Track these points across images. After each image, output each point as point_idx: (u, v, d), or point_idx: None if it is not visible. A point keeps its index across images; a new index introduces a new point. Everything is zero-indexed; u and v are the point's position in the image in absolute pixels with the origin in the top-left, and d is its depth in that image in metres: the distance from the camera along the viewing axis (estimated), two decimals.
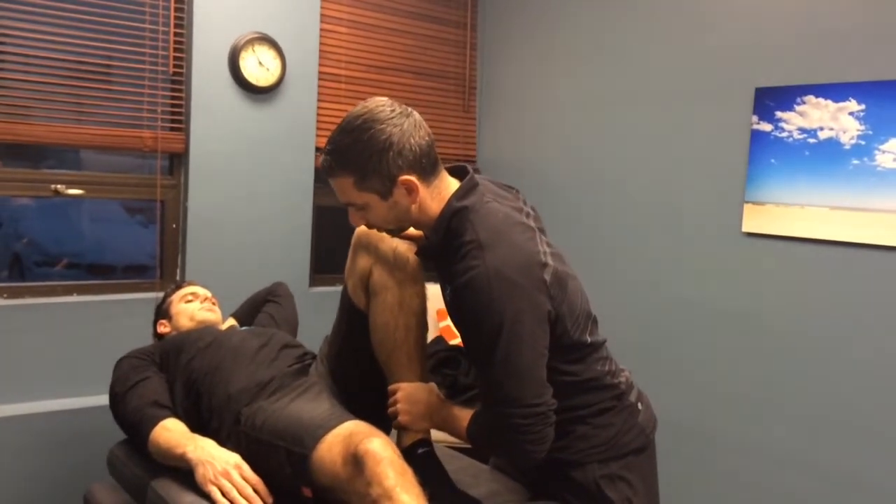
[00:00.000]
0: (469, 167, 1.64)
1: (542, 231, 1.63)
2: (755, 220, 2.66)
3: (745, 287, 2.70)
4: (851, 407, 2.44)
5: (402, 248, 1.71)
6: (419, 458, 1.64)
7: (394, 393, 1.71)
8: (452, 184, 1.59)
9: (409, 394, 1.69)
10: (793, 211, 2.56)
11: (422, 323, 1.75)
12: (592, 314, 1.65)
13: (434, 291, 1.78)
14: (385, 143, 1.47)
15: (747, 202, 2.67)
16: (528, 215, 1.63)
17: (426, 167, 1.53)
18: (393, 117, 1.49)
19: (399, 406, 1.68)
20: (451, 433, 1.69)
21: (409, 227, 1.62)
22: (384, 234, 1.69)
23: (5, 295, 2.64)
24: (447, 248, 1.53)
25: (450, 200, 1.54)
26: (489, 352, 1.47)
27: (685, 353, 2.88)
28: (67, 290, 2.76)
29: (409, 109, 1.54)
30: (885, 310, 2.36)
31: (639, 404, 1.70)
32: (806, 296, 2.55)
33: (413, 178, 1.50)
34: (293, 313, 2.51)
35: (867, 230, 2.38)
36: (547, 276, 1.49)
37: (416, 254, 1.69)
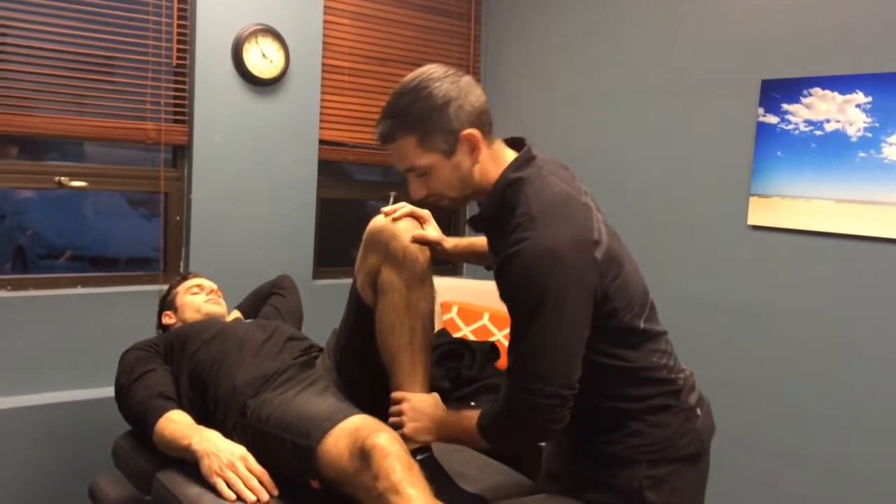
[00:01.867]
0: (526, 139, 1.61)
1: (598, 209, 1.58)
2: (761, 212, 2.65)
3: (751, 280, 2.70)
4: (857, 401, 2.43)
5: (412, 247, 1.68)
6: (420, 463, 1.62)
7: (398, 401, 1.68)
8: (509, 154, 1.57)
9: (414, 406, 1.66)
10: (799, 204, 2.55)
11: (428, 327, 1.72)
12: (650, 301, 1.61)
13: (439, 284, 1.78)
14: (445, 97, 1.47)
15: (753, 195, 2.66)
16: (584, 193, 1.57)
17: (486, 126, 1.52)
18: (448, 76, 1.50)
19: (404, 418, 1.64)
20: (459, 441, 1.67)
21: (470, 196, 1.58)
22: (396, 232, 1.67)
23: (9, 287, 2.64)
24: (500, 219, 1.51)
25: (505, 171, 1.52)
26: (527, 324, 1.44)
27: (690, 346, 2.85)
28: (71, 283, 2.76)
29: (461, 72, 1.55)
30: (893, 303, 2.35)
31: (698, 409, 1.63)
32: (812, 289, 2.54)
33: (476, 133, 1.49)
34: (298, 306, 2.51)
35: (874, 223, 2.37)
36: (598, 254, 1.45)
37: (468, 222, 1.66)
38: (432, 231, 1.74)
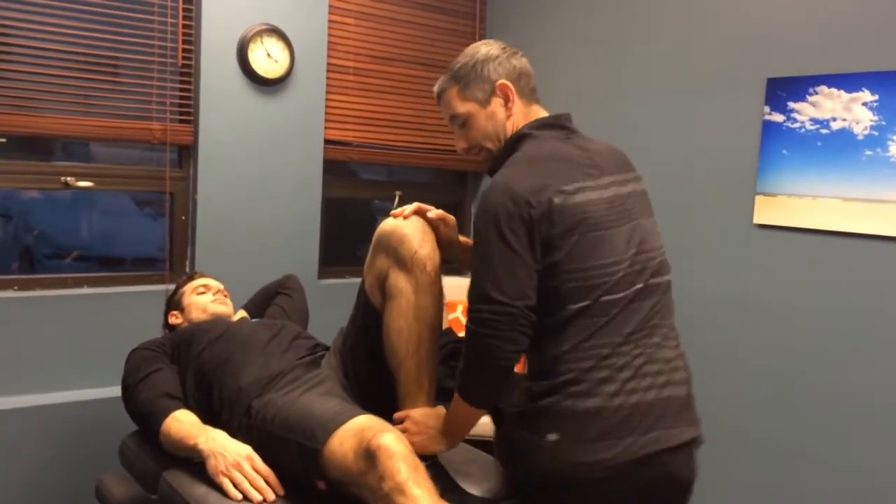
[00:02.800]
0: (567, 117, 1.74)
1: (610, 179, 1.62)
2: (767, 211, 2.64)
3: (757, 278, 2.69)
4: (862, 399, 2.42)
5: (422, 252, 1.69)
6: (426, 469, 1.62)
7: (401, 420, 1.69)
8: (542, 116, 1.72)
9: (416, 420, 1.68)
10: (805, 202, 2.54)
11: (435, 334, 1.73)
12: (617, 296, 1.53)
13: (444, 283, 1.78)
14: (487, 54, 1.70)
15: (759, 193, 2.66)
16: (591, 174, 1.60)
17: (524, 88, 1.70)
18: (501, 45, 1.73)
19: (409, 435, 1.63)
20: (460, 428, 1.67)
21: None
22: (406, 237, 1.69)
23: (16, 287, 2.65)
24: (502, 165, 1.63)
25: (524, 125, 1.67)
26: (474, 251, 1.55)
27: (695, 344, 2.84)
28: (78, 283, 2.77)
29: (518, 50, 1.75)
30: None
31: (550, 435, 1.51)
32: (818, 287, 2.53)
33: (510, 85, 1.67)
34: (304, 305, 2.51)
35: (880, 222, 2.36)
36: (558, 201, 1.51)
37: (487, 170, 1.73)
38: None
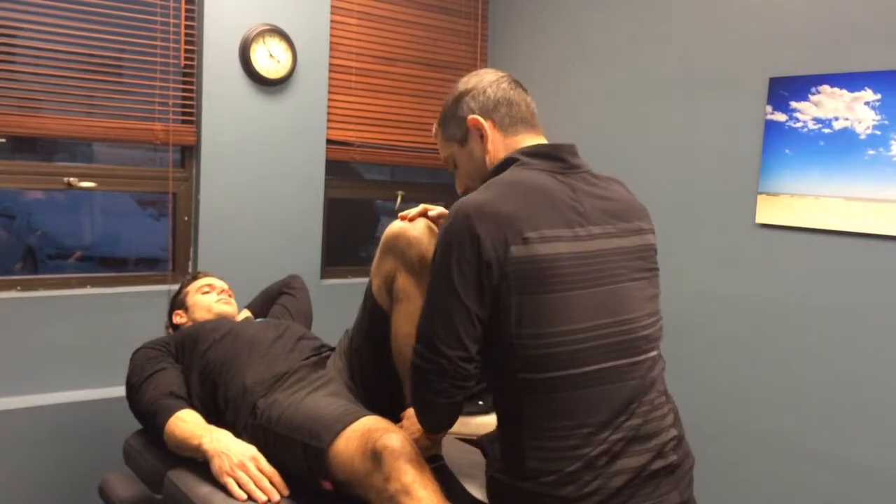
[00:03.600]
0: (571, 149, 1.55)
1: (592, 230, 1.41)
2: (769, 211, 2.64)
3: (759, 278, 2.69)
4: (866, 399, 2.42)
5: (429, 255, 1.68)
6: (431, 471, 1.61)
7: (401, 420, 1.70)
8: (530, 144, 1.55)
9: (410, 416, 1.68)
10: (807, 202, 2.54)
11: None
12: (578, 371, 1.32)
13: None
14: (463, 90, 1.57)
15: (761, 193, 2.66)
16: (571, 221, 1.39)
17: (504, 119, 1.54)
18: (482, 76, 1.59)
19: (406, 432, 1.61)
20: (438, 437, 1.66)
21: None
22: (414, 240, 1.66)
23: (19, 287, 2.65)
24: None
25: (514, 152, 1.51)
26: (428, 284, 1.41)
27: (698, 344, 2.87)
28: (81, 283, 2.77)
29: (515, 78, 1.60)
30: None
31: None
32: (820, 287, 2.53)
33: (481, 120, 1.53)
34: (308, 305, 2.51)
35: (882, 221, 2.36)
36: (516, 250, 1.31)
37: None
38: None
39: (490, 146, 1.53)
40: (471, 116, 1.54)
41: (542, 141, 1.56)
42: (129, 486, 1.95)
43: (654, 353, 1.45)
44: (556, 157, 1.50)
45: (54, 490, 2.56)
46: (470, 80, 1.58)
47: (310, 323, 2.46)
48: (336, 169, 3.35)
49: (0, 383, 2.55)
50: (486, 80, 1.57)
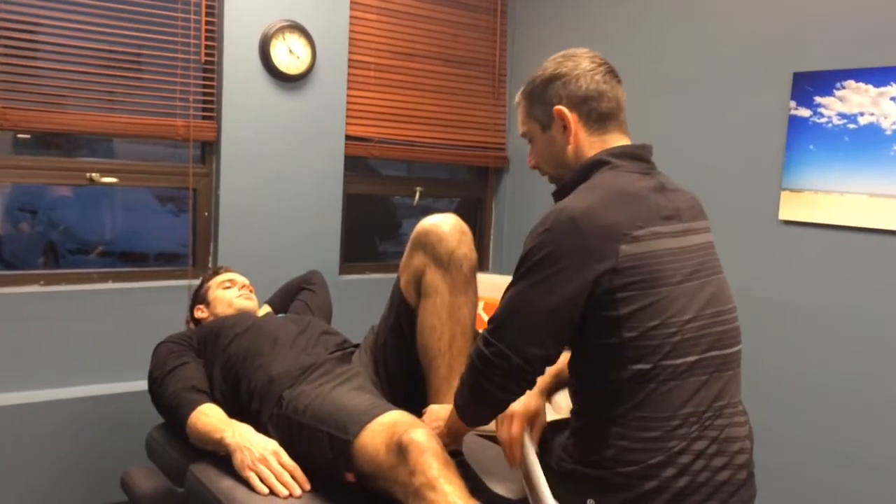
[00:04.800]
0: (651, 149, 1.56)
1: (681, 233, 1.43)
2: (793, 207, 2.62)
3: (783, 275, 2.67)
4: (890, 400, 2.40)
5: (459, 252, 1.70)
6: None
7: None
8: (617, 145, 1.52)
9: (432, 409, 1.69)
10: (831, 198, 2.51)
11: (468, 333, 1.73)
12: (676, 361, 1.34)
13: (484, 282, 1.77)
14: (554, 73, 1.52)
15: (784, 189, 2.63)
16: (668, 218, 1.42)
17: (591, 114, 1.50)
18: (577, 60, 1.52)
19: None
20: (457, 426, 1.62)
21: (563, 175, 1.52)
22: (444, 236, 1.69)
23: (42, 282, 2.67)
24: (571, 191, 1.46)
25: (601, 152, 1.49)
26: (511, 281, 1.40)
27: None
28: (103, 278, 2.79)
29: (612, 68, 1.55)
30: None
31: (589, 501, 1.37)
32: (844, 284, 2.50)
33: (567, 112, 1.49)
34: (327, 301, 2.52)
35: None
36: (626, 248, 1.32)
37: (553, 193, 1.57)
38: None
39: (572, 139, 1.50)
40: (557, 107, 1.50)
41: (627, 139, 1.54)
42: (151, 480, 1.97)
43: (740, 346, 1.49)
44: (642, 157, 1.52)
45: (77, 483, 2.58)
46: (565, 63, 1.52)
47: (330, 318, 2.46)
48: (354, 165, 3.35)
49: (23, 376, 2.58)
50: (581, 68, 1.51)
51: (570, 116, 1.49)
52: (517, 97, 1.61)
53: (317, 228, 3.16)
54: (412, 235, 1.77)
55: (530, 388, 1.41)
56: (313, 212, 3.15)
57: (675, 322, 1.35)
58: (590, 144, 1.50)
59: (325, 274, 2.68)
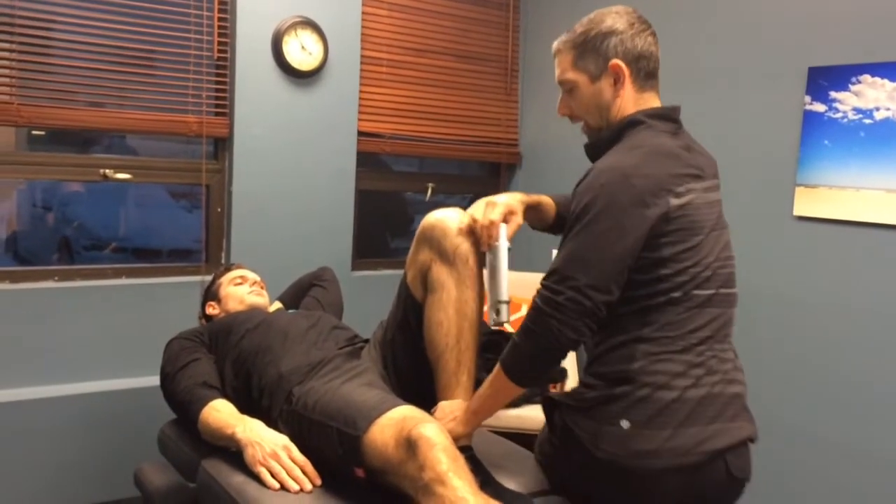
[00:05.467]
0: (679, 112, 1.67)
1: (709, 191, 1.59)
2: (807, 203, 2.59)
3: (797, 272, 2.64)
4: None
5: (464, 247, 1.69)
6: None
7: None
8: (654, 105, 1.64)
9: (442, 406, 1.69)
10: (847, 194, 2.49)
11: (475, 328, 1.73)
12: (703, 291, 1.54)
13: (514, 281, 1.77)
14: (611, 28, 1.61)
15: (799, 185, 2.61)
16: (698, 176, 1.57)
17: (641, 71, 1.61)
18: (630, 19, 1.63)
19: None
20: (486, 405, 1.64)
21: (605, 128, 1.64)
22: (449, 230, 1.70)
23: (56, 277, 2.69)
24: (608, 148, 1.59)
25: (638, 111, 1.60)
26: (570, 233, 1.50)
27: (734, 340, 2.82)
28: (116, 274, 2.80)
29: (655, 33, 1.66)
30: None
31: (623, 422, 1.50)
32: (860, 282, 2.48)
33: (624, 67, 1.59)
34: (339, 297, 2.52)
35: None
36: (674, 201, 1.48)
37: (585, 147, 1.71)
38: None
39: (621, 94, 1.60)
40: (615, 60, 1.59)
41: (659, 99, 1.66)
42: (164, 475, 1.97)
43: (737, 289, 1.68)
44: (672, 118, 1.64)
45: (90, 478, 2.60)
46: (620, 20, 1.61)
47: (340, 315, 2.46)
48: (367, 161, 3.35)
49: (36, 372, 2.60)
50: (636, 28, 1.61)
51: (626, 71, 1.59)
52: (557, 45, 1.67)
53: (329, 224, 3.17)
54: (418, 230, 1.77)
55: (596, 327, 1.50)
56: (325, 208, 3.15)
57: (704, 262, 1.53)
58: (634, 101, 1.61)
59: (337, 270, 2.68)
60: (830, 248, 2.55)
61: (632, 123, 1.58)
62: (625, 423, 1.49)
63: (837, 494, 2.55)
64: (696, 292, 1.53)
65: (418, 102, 3.42)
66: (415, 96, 3.41)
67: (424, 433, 1.45)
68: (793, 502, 2.66)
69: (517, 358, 1.55)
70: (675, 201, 1.49)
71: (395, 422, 1.52)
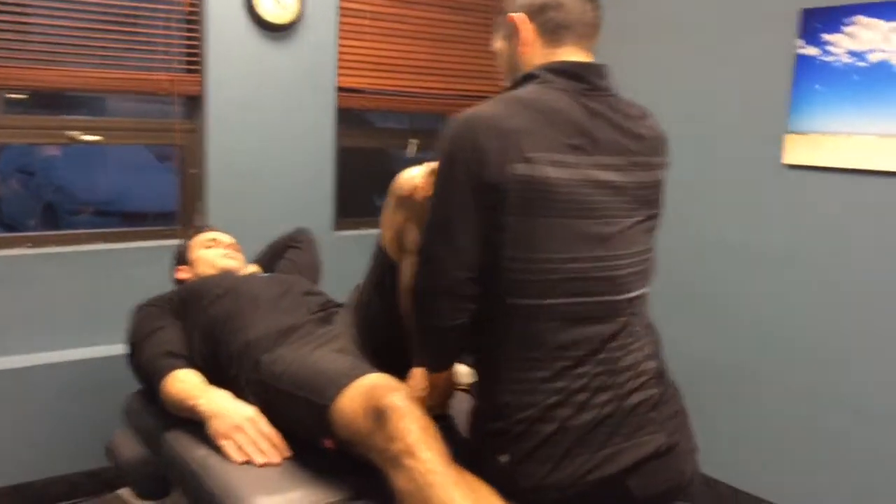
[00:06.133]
0: (600, 70, 1.45)
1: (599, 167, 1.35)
2: (797, 150, 2.50)
3: (786, 221, 2.57)
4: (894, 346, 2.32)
5: None
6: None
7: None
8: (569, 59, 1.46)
9: (415, 373, 1.64)
10: (839, 140, 2.40)
11: None
12: (566, 301, 1.30)
13: None
14: None
15: (789, 132, 2.51)
16: (577, 148, 1.33)
17: (547, 24, 1.44)
18: None
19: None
20: (438, 385, 1.61)
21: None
22: (419, 188, 1.61)
23: (30, 244, 2.63)
24: None
25: (541, 65, 1.43)
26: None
27: (721, 291, 2.77)
28: (92, 238, 2.74)
29: None
30: None
31: (501, 457, 1.35)
32: (851, 230, 2.40)
33: (519, 19, 1.45)
34: (315, 259, 2.45)
35: None
36: (518, 168, 1.27)
37: None
38: None
39: (525, 50, 1.46)
40: (512, 14, 1.47)
41: (584, 57, 1.45)
42: (135, 447, 1.93)
43: (640, 292, 1.41)
44: (580, 76, 1.41)
45: (64, 447, 2.57)
46: None
47: (318, 277, 2.40)
48: (349, 117, 3.26)
49: (12, 339, 2.55)
50: None
51: (524, 25, 1.45)
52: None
53: (309, 184, 3.08)
54: (389, 190, 1.69)
55: (472, 310, 1.35)
56: (305, 166, 3.06)
57: (558, 258, 1.30)
58: (542, 56, 1.45)
59: (318, 230, 2.61)
60: (821, 196, 2.47)
61: (527, 78, 1.42)
62: (503, 458, 1.35)
63: (831, 444, 2.51)
64: (552, 302, 1.30)
65: (403, 55, 3.30)
66: (399, 49, 3.29)
67: (394, 402, 1.39)
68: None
69: (422, 347, 1.50)
70: (521, 168, 1.27)
71: (364, 390, 1.46)
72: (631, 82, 3.03)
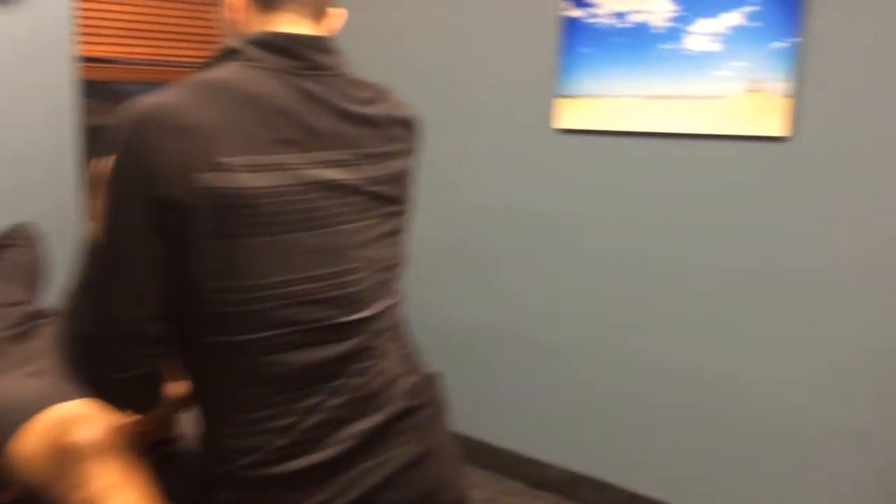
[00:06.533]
0: (319, 42, 1.13)
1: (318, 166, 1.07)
2: (568, 115, 2.45)
3: (559, 186, 2.53)
4: (675, 302, 2.34)
5: None
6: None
7: None
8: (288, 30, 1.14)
9: None
10: (606, 103, 2.37)
11: None
12: (280, 331, 1.04)
13: None
14: None
15: (559, 96, 2.46)
16: (291, 143, 1.05)
17: None
18: None
19: None
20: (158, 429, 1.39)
21: None
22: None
23: None
24: None
25: (246, 38, 1.12)
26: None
27: (495, 257, 2.70)
28: None
29: None
30: (704, 199, 2.25)
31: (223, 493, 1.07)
32: (624, 191, 2.40)
33: None
34: (35, 261, 2.11)
35: (681, 119, 2.23)
36: (205, 178, 0.96)
37: None
38: None
39: (235, 16, 1.15)
40: None
41: (309, 27, 1.14)
42: None
43: (385, 303, 1.18)
44: (295, 52, 1.10)
45: None
46: None
47: (38, 280, 2.07)
48: (100, 92, 2.88)
49: None
50: None
51: None
52: None
53: (48, 170, 2.69)
54: (88, 177, 1.42)
55: (159, 353, 1.05)
56: (40, 152, 2.67)
57: (273, 283, 1.04)
58: (258, 24, 1.14)
59: (64, 223, 2.27)
60: (591, 159, 2.45)
61: (226, 54, 1.10)
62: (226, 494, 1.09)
63: (610, 403, 2.52)
64: (264, 334, 1.04)
65: (156, 21, 2.96)
66: (149, 14, 2.94)
67: (80, 438, 1.14)
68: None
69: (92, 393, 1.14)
70: (207, 178, 0.97)
71: (49, 426, 1.20)
72: (399, 45, 2.88)
